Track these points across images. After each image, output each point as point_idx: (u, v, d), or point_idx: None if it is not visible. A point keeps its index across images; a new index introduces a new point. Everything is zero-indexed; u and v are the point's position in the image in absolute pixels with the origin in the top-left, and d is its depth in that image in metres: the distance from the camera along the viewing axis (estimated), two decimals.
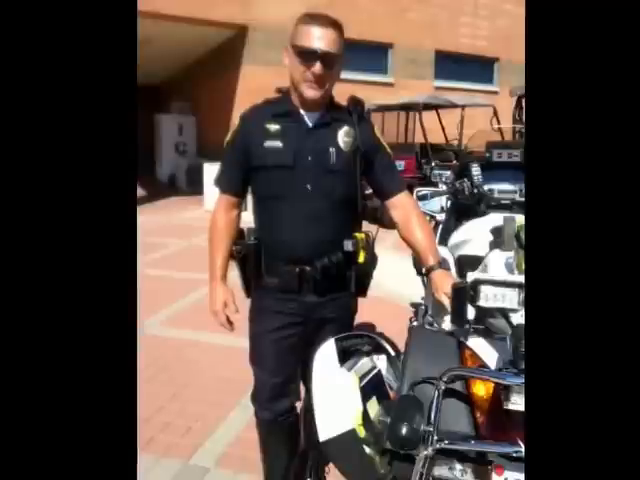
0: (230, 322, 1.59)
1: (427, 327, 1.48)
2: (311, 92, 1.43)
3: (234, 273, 1.62)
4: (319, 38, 1.38)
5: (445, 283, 1.36)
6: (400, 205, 1.56)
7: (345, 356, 1.32)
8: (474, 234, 2.03)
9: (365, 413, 1.18)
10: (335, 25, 1.41)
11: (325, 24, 1.40)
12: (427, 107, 8.41)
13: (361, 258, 1.54)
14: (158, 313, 3.89)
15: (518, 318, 1.15)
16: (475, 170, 2.30)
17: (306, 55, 1.39)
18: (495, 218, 1.93)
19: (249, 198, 1.64)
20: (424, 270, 1.48)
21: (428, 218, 2.76)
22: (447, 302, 1.32)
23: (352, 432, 1.15)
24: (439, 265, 1.44)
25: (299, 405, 1.70)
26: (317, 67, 1.39)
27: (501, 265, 1.38)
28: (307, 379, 1.52)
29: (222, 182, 1.61)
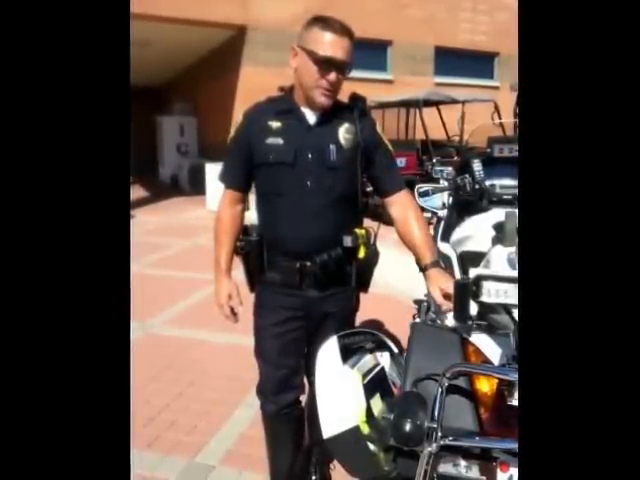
0: (234, 314, 1.61)
1: (429, 323, 1.48)
2: (324, 99, 1.45)
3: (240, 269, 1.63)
4: (337, 47, 1.40)
5: (440, 279, 1.39)
6: (399, 203, 1.58)
7: (348, 354, 1.32)
8: (476, 230, 2.03)
9: (369, 410, 1.18)
10: (349, 33, 1.43)
11: (341, 32, 1.41)
12: (427, 103, 8.37)
13: (362, 254, 1.56)
14: (162, 313, 3.90)
15: None
16: (476, 166, 2.29)
17: (323, 63, 1.40)
18: (497, 214, 1.92)
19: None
20: (421, 266, 1.50)
21: (430, 214, 2.76)
22: (440, 298, 1.36)
23: (356, 429, 1.15)
24: (436, 263, 1.46)
25: (304, 398, 1.70)
26: (333, 76, 1.42)
27: (503, 261, 1.38)
28: (310, 374, 1.52)
29: (226, 177, 1.64)
